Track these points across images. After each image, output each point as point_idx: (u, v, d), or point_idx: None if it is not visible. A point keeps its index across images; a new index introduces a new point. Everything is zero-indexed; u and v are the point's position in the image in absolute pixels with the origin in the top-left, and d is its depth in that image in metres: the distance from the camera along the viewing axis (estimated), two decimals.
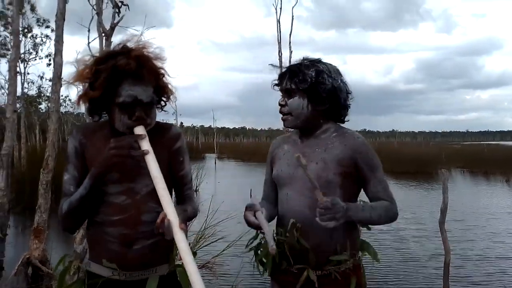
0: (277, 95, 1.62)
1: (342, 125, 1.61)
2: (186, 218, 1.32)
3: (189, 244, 1.22)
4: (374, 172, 1.51)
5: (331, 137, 1.54)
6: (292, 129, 1.65)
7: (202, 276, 1.40)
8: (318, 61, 1.55)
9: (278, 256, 1.44)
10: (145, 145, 1.29)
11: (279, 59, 14.54)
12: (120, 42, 1.36)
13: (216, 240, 3.46)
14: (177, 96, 1.45)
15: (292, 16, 14.96)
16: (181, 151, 1.45)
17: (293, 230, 1.43)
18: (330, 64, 1.55)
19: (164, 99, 1.43)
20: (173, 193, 1.45)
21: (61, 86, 4.40)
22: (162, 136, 1.42)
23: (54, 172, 4.49)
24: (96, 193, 1.33)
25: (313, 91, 1.50)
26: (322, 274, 1.46)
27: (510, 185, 14.67)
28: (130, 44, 1.34)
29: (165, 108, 1.47)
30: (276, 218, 1.60)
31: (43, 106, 27.04)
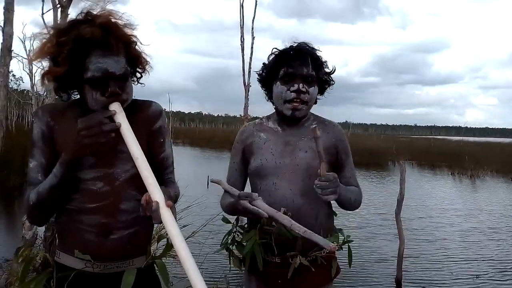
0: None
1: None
2: (172, 198, 1.21)
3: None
4: (349, 159, 1.57)
5: (313, 126, 1.53)
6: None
7: (167, 264, 1.31)
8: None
9: (262, 247, 1.42)
10: (120, 119, 1.15)
11: (241, 44, 14.33)
12: (82, 10, 1.20)
13: (181, 228, 3.36)
14: (152, 66, 1.30)
15: (256, 1, 14.71)
16: (162, 131, 1.33)
17: None
18: None
19: (139, 70, 1.29)
20: None
21: (10, 59, 4.03)
22: (141, 114, 1.29)
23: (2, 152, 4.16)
24: (69, 182, 1.19)
25: (327, 81, 1.54)
26: (307, 260, 1.45)
27: (456, 178, 15.52)
28: (94, 12, 1.19)
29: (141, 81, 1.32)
30: None
31: None
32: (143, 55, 1.27)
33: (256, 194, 1.39)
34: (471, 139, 43.83)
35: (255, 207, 1.35)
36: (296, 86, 1.46)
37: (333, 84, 1.56)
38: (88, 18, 1.16)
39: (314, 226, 1.42)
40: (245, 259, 1.49)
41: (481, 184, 14.05)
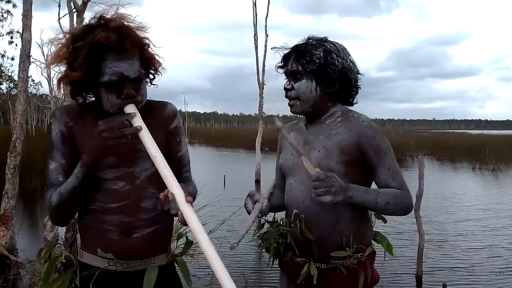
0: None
1: (350, 107, 1.53)
2: (191, 194, 1.23)
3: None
4: (382, 158, 1.40)
5: (336, 122, 1.45)
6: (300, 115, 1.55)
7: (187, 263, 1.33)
8: (325, 40, 1.47)
9: (283, 247, 1.41)
10: (138, 122, 1.19)
11: (254, 42, 14.34)
12: (95, 14, 1.23)
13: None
14: (165, 68, 1.33)
15: None
16: (178, 130, 1.37)
17: (296, 221, 1.38)
18: (338, 43, 1.48)
19: (152, 71, 1.31)
20: None
21: (29, 64, 4.10)
22: (158, 115, 1.32)
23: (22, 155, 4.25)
24: (90, 182, 1.22)
25: (322, 72, 1.42)
26: (328, 268, 1.39)
27: (477, 173, 15.17)
28: (107, 16, 1.21)
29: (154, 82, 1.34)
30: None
31: (3, 86, 25.91)
32: (156, 57, 1.29)
33: (260, 197, 1.39)
34: (492, 132, 42.89)
35: (250, 209, 1.35)
36: (285, 84, 1.48)
37: (334, 72, 1.41)
38: (101, 22, 1.19)
39: (331, 233, 1.37)
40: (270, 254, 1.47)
41: (505, 178, 13.71)
